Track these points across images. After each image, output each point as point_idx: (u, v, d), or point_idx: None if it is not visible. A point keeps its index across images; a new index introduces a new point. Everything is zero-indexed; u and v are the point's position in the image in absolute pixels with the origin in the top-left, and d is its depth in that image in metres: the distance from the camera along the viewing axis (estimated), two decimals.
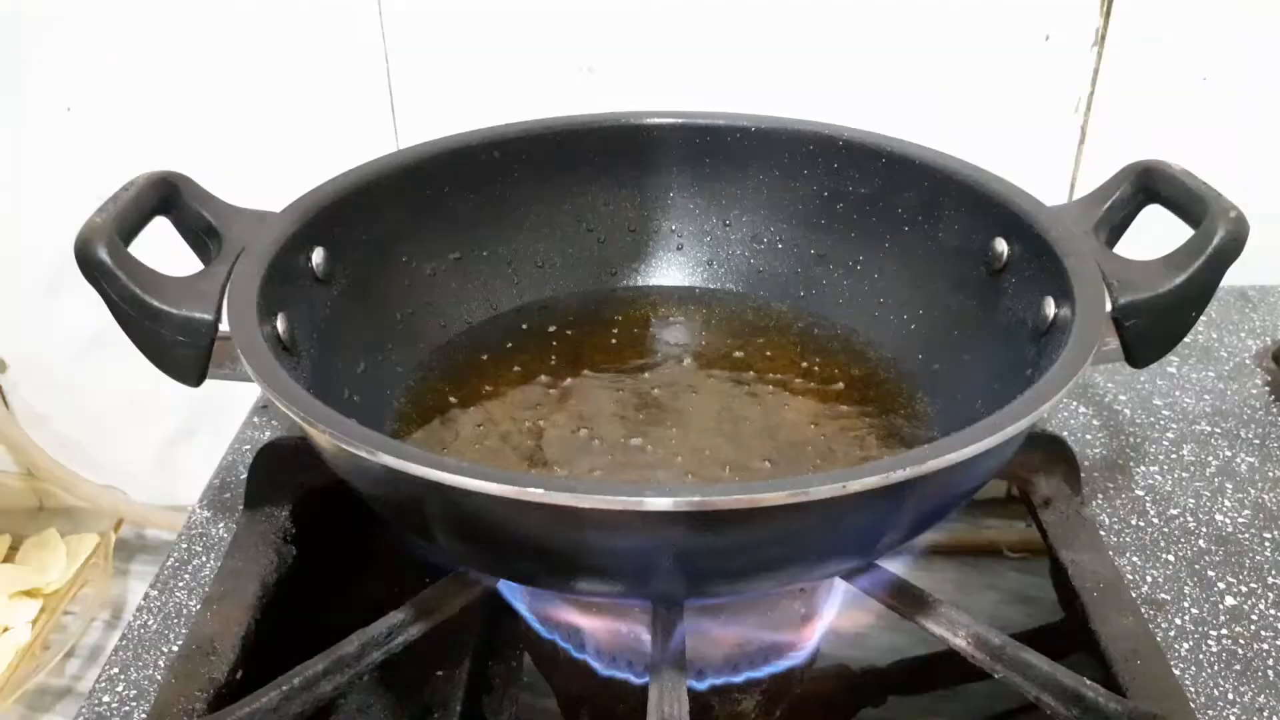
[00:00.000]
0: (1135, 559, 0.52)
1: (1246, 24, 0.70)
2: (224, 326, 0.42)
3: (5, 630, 0.83)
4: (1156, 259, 0.45)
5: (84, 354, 0.84)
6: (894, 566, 0.46)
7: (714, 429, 0.52)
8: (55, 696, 0.82)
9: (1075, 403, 0.63)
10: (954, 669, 0.44)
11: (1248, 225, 0.43)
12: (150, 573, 0.51)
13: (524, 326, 0.59)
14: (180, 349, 0.42)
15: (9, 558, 0.90)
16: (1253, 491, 0.56)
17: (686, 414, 0.53)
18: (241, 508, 0.53)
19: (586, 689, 0.48)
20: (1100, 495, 0.56)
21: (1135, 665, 0.44)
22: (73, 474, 0.90)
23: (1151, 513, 0.55)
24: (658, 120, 0.60)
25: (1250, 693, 0.44)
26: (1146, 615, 0.48)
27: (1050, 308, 0.45)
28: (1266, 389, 0.65)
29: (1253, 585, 0.50)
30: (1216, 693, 0.45)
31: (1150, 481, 0.57)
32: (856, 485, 0.33)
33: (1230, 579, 0.50)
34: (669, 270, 0.63)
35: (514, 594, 0.48)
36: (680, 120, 0.60)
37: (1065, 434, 0.59)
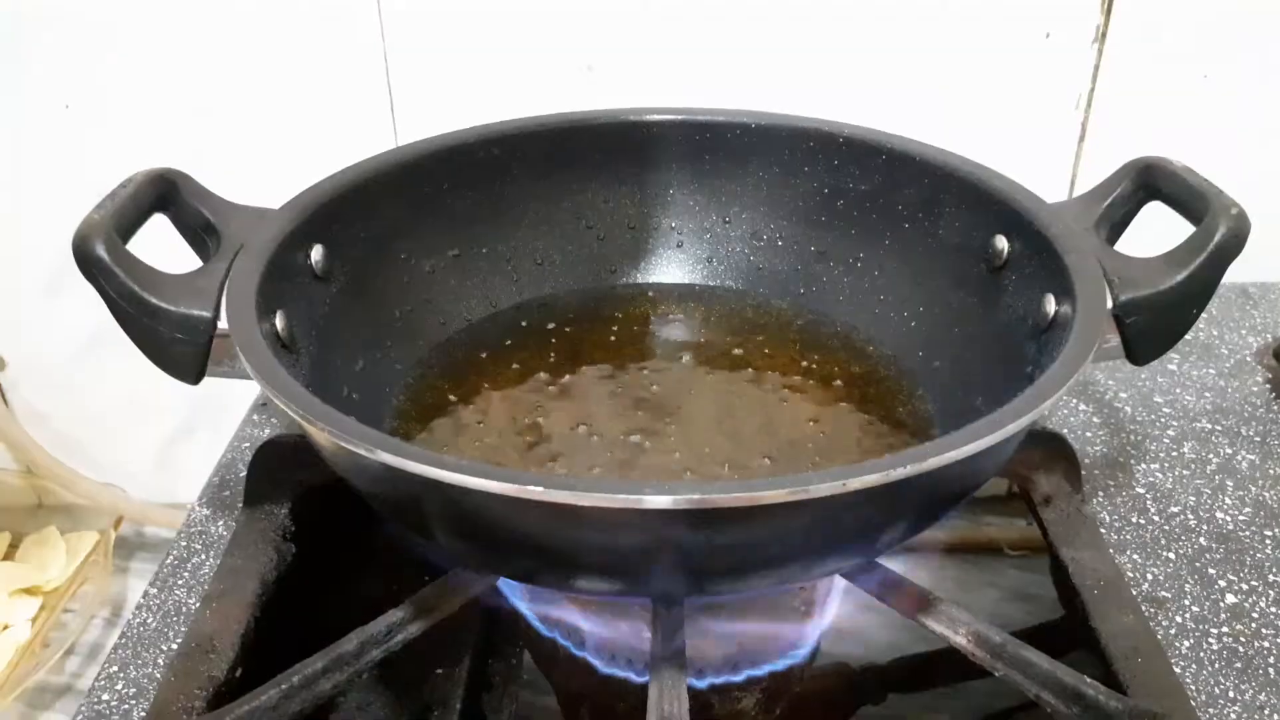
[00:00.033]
0: (1136, 557, 0.52)
1: (1247, 22, 0.70)
2: (223, 324, 0.42)
3: (5, 628, 0.82)
4: (1157, 256, 0.45)
5: (83, 352, 0.84)
6: (894, 564, 0.46)
7: (713, 426, 0.52)
8: (55, 694, 0.82)
9: (1076, 400, 0.63)
10: (954, 667, 0.44)
11: (1249, 222, 0.43)
12: (150, 570, 0.51)
13: (523, 324, 0.59)
14: (179, 346, 0.42)
15: (9, 555, 0.90)
16: (1253, 489, 0.56)
17: (686, 411, 0.53)
18: (241, 505, 0.53)
19: (586, 687, 0.48)
20: (1101, 493, 0.56)
21: (1136, 663, 0.44)
22: (72, 472, 0.90)
23: (1152, 510, 0.55)
24: (657, 117, 0.60)
25: (1251, 691, 0.44)
26: (1147, 613, 0.48)
27: (1051, 305, 0.45)
28: (1267, 386, 0.65)
29: (1254, 583, 0.50)
30: (1217, 691, 0.44)
31: (1151, 479, 0.57)
32: (857, 483, 0.33)
33: (1231, 577, 0.50)
34: (669, 267, 0.63)
35: (514, 592, 0.48)
36: (680, 117, 0.60)
37: (1066, 431, 0.58)
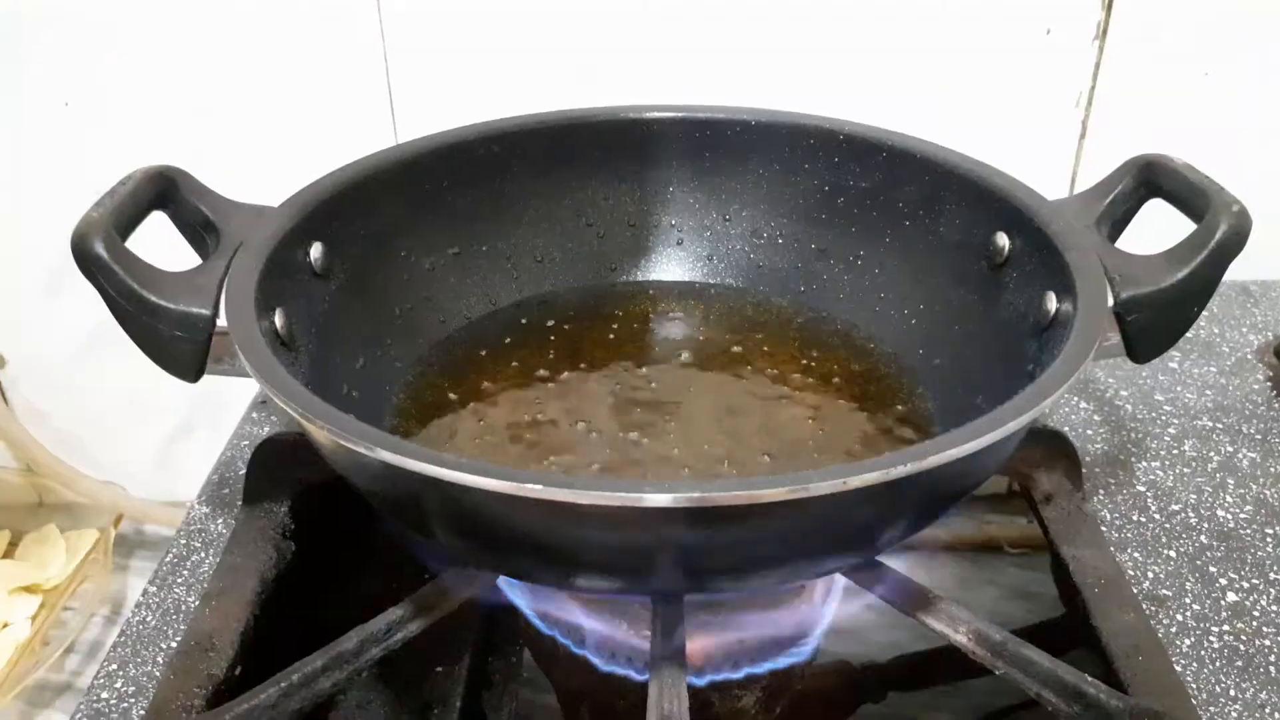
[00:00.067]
0: (1136, 555, 0.52)
1: (1248, 19, 0.70)
2: (222, 322, 0.42)
3: (5, 626, 0.82)
4: (1158, 253, 0.45)
5: (83, 350, 0.84)
6: (895, 562, 0.46)
7: (713, 424, 0.51)
8: (55, 692, 0.82)
9: (1076, 398, 0.63)
10: (954, 665, 0.44)
11: (1250, 219, 0.43)
12: (150, 568, 0.51)
13: (523, 321, 0.59)
14: (178, 344, 0.42)
15: (9, 553, 0.90)
16: (1254, 487, 0.56)
17: (685, 409, 0.53)
18: (240, 503, 0.53)
19: (586, 685, 0.48)
20: (1101, 491, 0.56)
21: (1136, 661, 0.44)
22: (72, 470, 0.90)
23: (1153, 508, 0.55)
24: (657, 114, 0.60)
25: (1252, 689, 0.44)
26: (1148, 611, 0.48)
27: (1052, 303, 0.45)
28: (1268, 384, 0.64)
29: (1254, 581, 0.50)
30: (1218, 689, 0.44)
31: (1152, 477, 0.57)
32: (857, 481, 0.33)
33: (1232, 575, 0.50)
34: (669, 265, 0.63)
35: (513, 590, 0.48)
36: (680, 114, 0.60)
37: (1066, 429, 0.58)
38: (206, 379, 0.44)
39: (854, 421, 0.52)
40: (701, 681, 0.46)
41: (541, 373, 0.55)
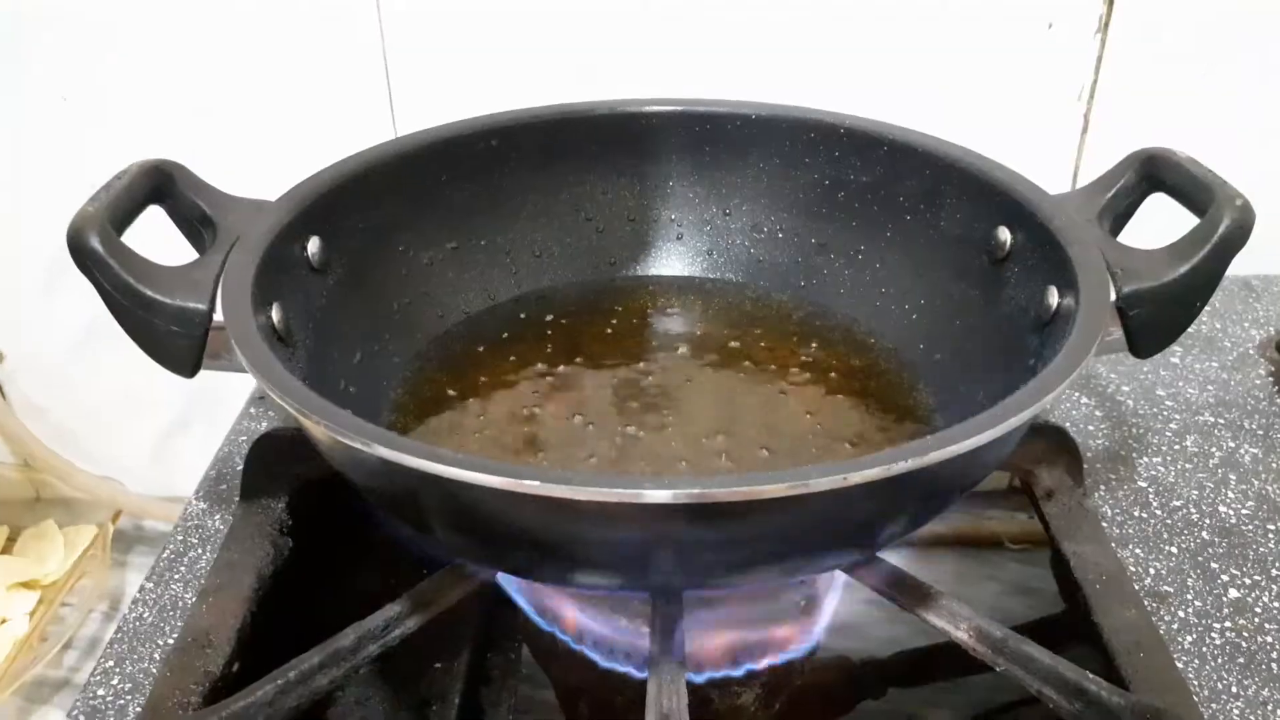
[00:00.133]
0: (1138, 551, 0.51)
1: (1250, 13, 0.69)
2: (219, 317, 0.42)
3: (3, 622, 0.82)
4: (1161, 248, 0.44)
5: (81, 345, 0.84)
6: (895, 558, 0.46)
7: (712, 419, 0.51)
8: (53, 688, 0.82)
9: (1077, 393, 0.63)
10: (955, 661, 0.44)
11: (1254, 213, 0.43)
12: (148, 564, 0.51)
13: (522, 316, 0.59)
14: (174, 339, 0.42)
15: (7, 549, 0.90)
16: (1256, 483, 0.56)
17: (685, 404, 0.52)
18: (238, 499, 0.53)
19: (585, 681, 0.47)
20: (1103, 487, 0.55)
21: (1138, 658, 0.43)
22: (70, 465, 0.90)
23: (1154, 504, 0.54)
24: (657, 108, 0.59)
25: (1254, 686, 0.44)
26: (1149, 608, 0.47)
27: (1053, 297, 0.45)
28: (1270, 379, 0.64)
29: (1256, 578, 0.50)
30: (1220, 686, 0.44)
31: (1153, 473, 0.56)
32: (857, 477, 0.33)
33: (1234, 571, 0.50)
34: (668, 260, 0.62)
35: (512, 586, 0.48)
36: (680, 108, 0.59)
37: (1067, 425, 0.58)
38: (206, 374, 0.44)
39: (854, 417, 0.52)
40: (700, 678, 0.46)
41: (540, 367, 0.55)
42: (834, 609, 0.49)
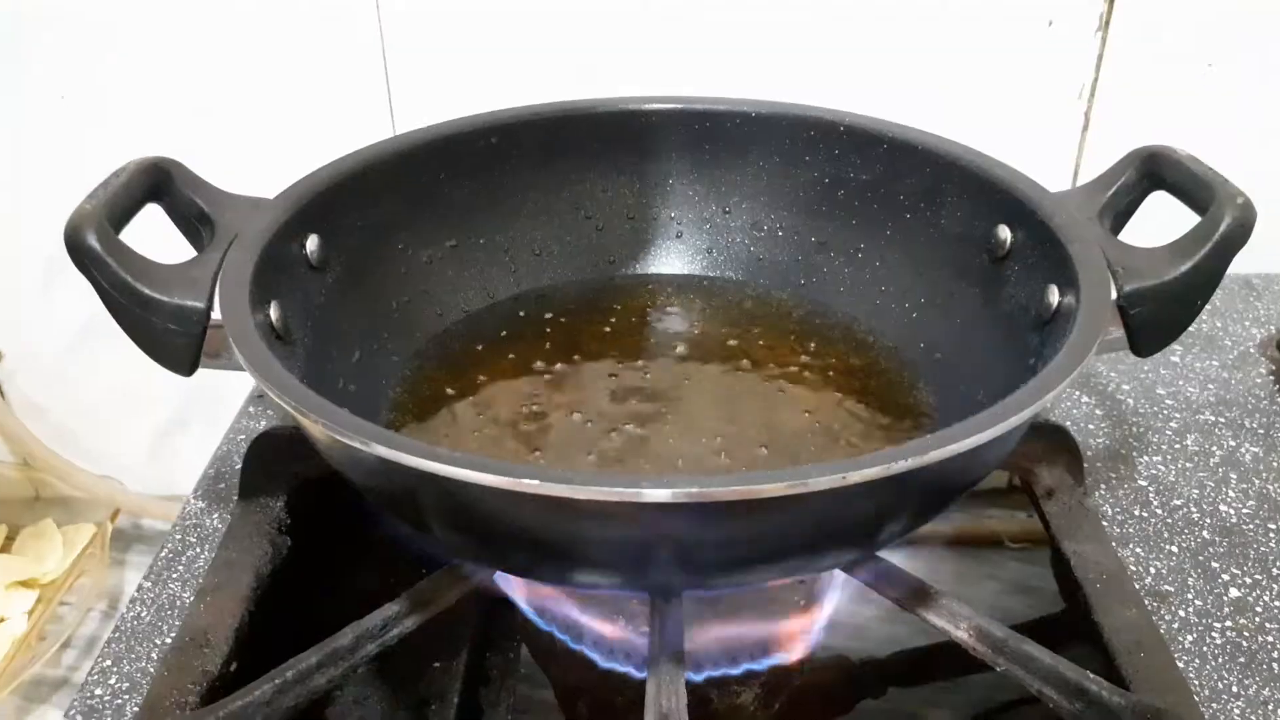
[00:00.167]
0: (1138, 550, 0.51)
1: (1251, 10, 0.69)
2: (217, 315, 0.42)
3: (1, 621, 0.82)
4: (1162, 246, 0.44)
5: (80, 344, 0.83)
6: (894, 557, 0.46)
7: (711, 417, 0.51)
8: (51, 687, 0.82)
9: (1078, 392, 0.63)
10: (954, 660, 0.44)
11: (1255, 211, 0.43)
12: (147, 563, 0.51)
13: (521, 315, 0.58)
14: (172, 337, 0.42)
15: (5, 548, 0.89)
16: (1257, 482, 0.55)
17: (684, 402, 0.52)
18: (236, 498, 0.53)
19: (584, 681, 0.47)
20: (1103, 486, 0.55)
21: (1138, 658, 0.43)
22: (69, 464, 0.90)
23: (1155, 503, 0.54)
24: (656, 106, 0.59)
25: (1255, 685, 0.44)
26: (1150, 607, 0.47)
27: (1054, 295, 0.45)
28: (1271, 378, 0.64)
29: (1257, 577, 0.50)
30: (1220, 685, 0.44)
31: (1153, 472, 0.56)
32: (857, 476, 0.33)
33: (1234, 570, 0.50)
34: (668, 258, 0.62)
35: (511, 585, 0.47)
36: (679, 106, 0.59)
37: (1068, 424, 0.58)
38: (206, 373, 0.44)
39: (853, 415, 0.52)
40: (699, 677, 0.46)
41: (539, 365, 0.55)
42: (833, 608, 0.49)
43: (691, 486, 0.32)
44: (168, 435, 0.88)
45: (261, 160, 0.72)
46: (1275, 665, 0.45)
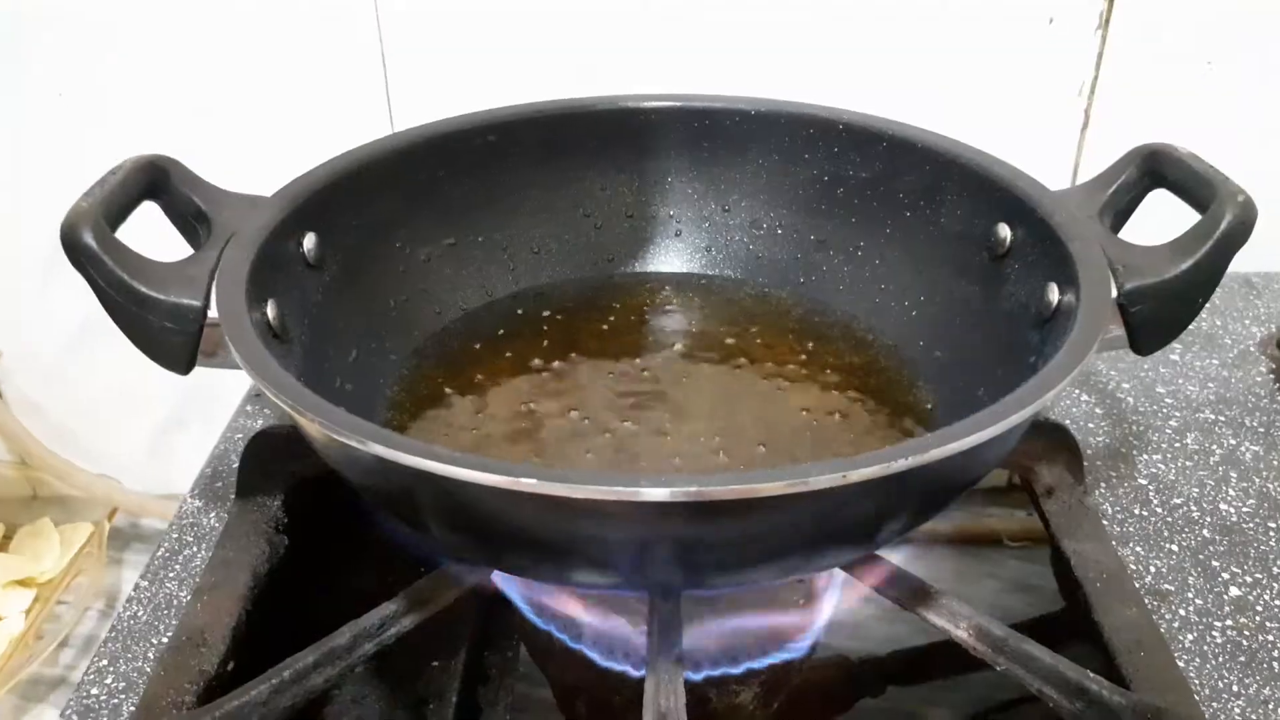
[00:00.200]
0: (1138, 549, 0.51)
1: (1251, 8, 0.69)
2: (214, 313, 0.42)
3: None
4: (1162, 244, 0.44)
5: (78, 342, 0.83)
6: (894, 555, 0.46)
7: (710, 416, 0.51)
8: (49, 686, 0.81)
9: (1078, 390, 0.62)
10: (954, 659, 0.44)
11: (1256, 209, 0.43)
12: (144, 562, 0.51)
13: (519, 313, 0.58)
14: (168, 335, 0.42)
15: (2, 546, 0.89)
16: (1257, 480, 0.55)
17: (682, 400, 0.52)
18: (233, 497, 0.53)
19: (583, 680, 0.47)
20: (1103, 484, 0.55)
21: (1139, 657, 0.43)
22: (67, 463, 0.90)
23: (1155, 502, 0.54)
24: (655, 104, 0.59)
25: (1255, 684, 0.44)
26: (1150, 606, 0.47)
27: (1054, 294, 0.45)
28: (1271, 377, 0.64)
29: (1258, 575, 0.49)
30: (1221, 685, 0.44)
31: (1153, 470, 0.56)
32: (857, 475, 0.32)
33: (1235, 569, 0.50)
34: (667, 256, 0.62)
35: (509, 584, 0.47)
36: (678, 104, 0.59)
37: (1068, 422, 0.58)
38: (204, 372, 0.44)
39: (853, 414, 0.51)
40: (698, 676, 0.45)
41: (537, 364, 0.55)
42: (833, 607, 0.49)
43: (690, 486, 0.32)
44: (165, 434, 0.88)
45: (260, 159, 0.72)
46: (1276, 664, 0.45)
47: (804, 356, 0.55)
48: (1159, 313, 0.44)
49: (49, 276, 0.80)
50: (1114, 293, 0.43)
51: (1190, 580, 0.49)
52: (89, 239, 0.40)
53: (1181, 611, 0.48)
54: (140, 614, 0.48)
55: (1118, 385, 0.63)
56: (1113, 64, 0.70)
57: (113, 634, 0.47)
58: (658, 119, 0.59)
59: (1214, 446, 0.58)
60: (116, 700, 0.43)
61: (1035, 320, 0.46)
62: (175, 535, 0.52)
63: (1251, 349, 0.67)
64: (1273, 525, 0.52)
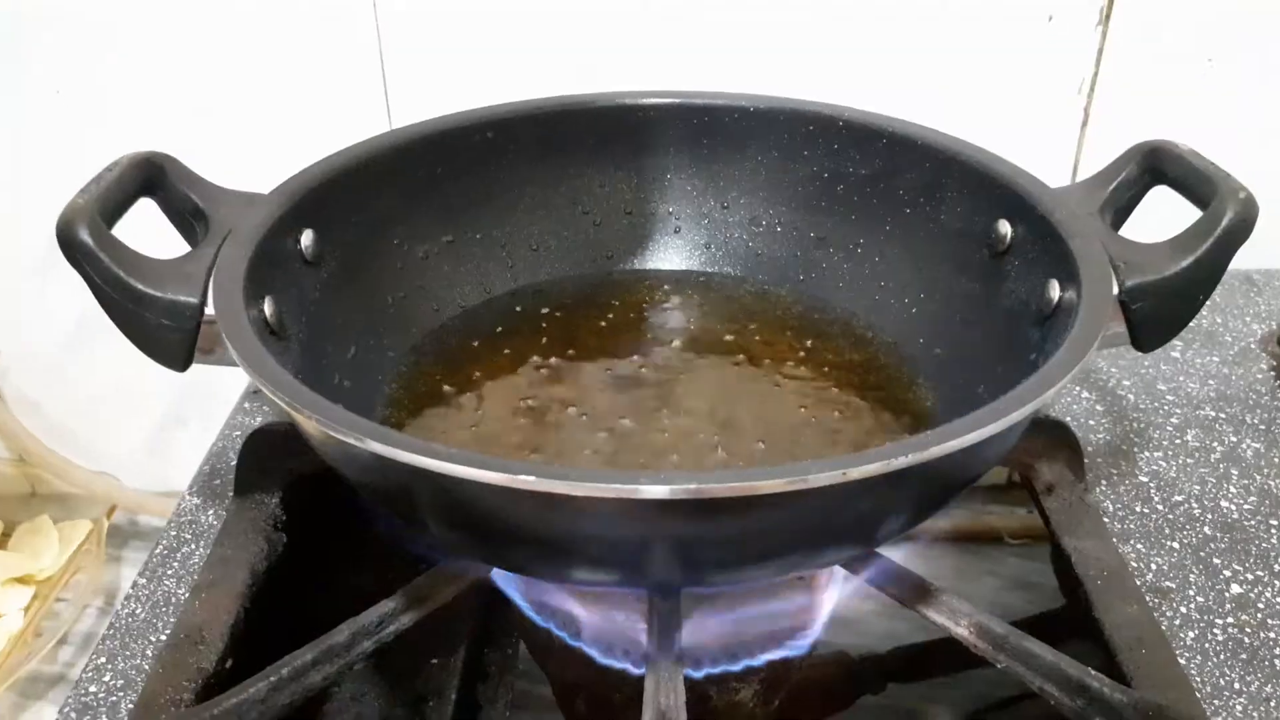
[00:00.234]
0: (1139, 546, 0.51)
1: (1252, 5, 0.69)
2: (211, 310, 0.41)
3: None
4: (1163, 241, 0.44)
5: (77, 340, 0.83)
6: (894, 553, 0.46)
7: (708, 412, 0.51)
8: (48, 684, 0.81)
9: (1078, 388, 0.62)
10: (954, 656, 0.43)
11: (1257, 206, 0.43)
12: (143, 559, 0.51)
13: (518, 310, 0.58)
14: (165, 333, 0.42)
15: (1, 544, 0.89)
16: (1258, 478, 0.55)
17: (681, 397, 0.52)
18: (231, 495, 0.53)
19: (583, 677, 0.47)
20: (1104, 481, 0.55)
21: (1140, 654, 0.43)
22: (65, 460, 0.90)
23: (1156, 499, 0.54)
24: (654, 100, 0.59)
25: (1257, 682, 0.44)
26: (1151, 603, 0.47)
27: (1055, 291, 0.45)
28: (1272, 374, 0.64)
29: (1259, 573, 0.49)
30: (1222, 682, 0.44)
31: (1154, 468, 0.56)
32: (856, 472, 0.32)
33: (1236, 566, 0.50)
34: (666, 253, 0.62)
35: (508, 582, 0.47)
36: (677, 100, 0.59)
37: (1068, 419, 0.58)
38: (202, 369, 0.44)
39: (852, 411, 0.51)
40: (698, 673, 0.45)
41: (535, 361, 0.54)
42: (833, 604, 0.48)
43: (690, 483, 0.32)
44: (164, 431, 0.88)
45: (259, 158, 0.71)
46: (1277, 662, 0.45)
47: (803, 354, 0.55)
48: (1160, 310, 0.44)
49: (47, 275, 0.80)
50: (1115, 289, 0.43)
51: (1191, 578, 0.49)
52: (85, 236, 0.40)
53: (1183, 609, 0.48)
54: (138, 611, 0.47)
55: (1118, 382, 0.63)
56: (1113, 61, 0.70)
57: (111, 631, 0.46)
58: (657, 115, 0.59)
59: (1215, 444, 0.58)
60: (115, 698, 0.43)
61: (1036, 317, 0.46)
62: (173, 533, 0.52)
63: (1252, 346, 0.67)
64: (1274, 522, 0.52)
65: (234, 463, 0.53)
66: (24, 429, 0.88)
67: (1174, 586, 0.49)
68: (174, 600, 0.48)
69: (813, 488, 0.32)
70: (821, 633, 0.48)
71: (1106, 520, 0.52)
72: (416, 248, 0.56)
